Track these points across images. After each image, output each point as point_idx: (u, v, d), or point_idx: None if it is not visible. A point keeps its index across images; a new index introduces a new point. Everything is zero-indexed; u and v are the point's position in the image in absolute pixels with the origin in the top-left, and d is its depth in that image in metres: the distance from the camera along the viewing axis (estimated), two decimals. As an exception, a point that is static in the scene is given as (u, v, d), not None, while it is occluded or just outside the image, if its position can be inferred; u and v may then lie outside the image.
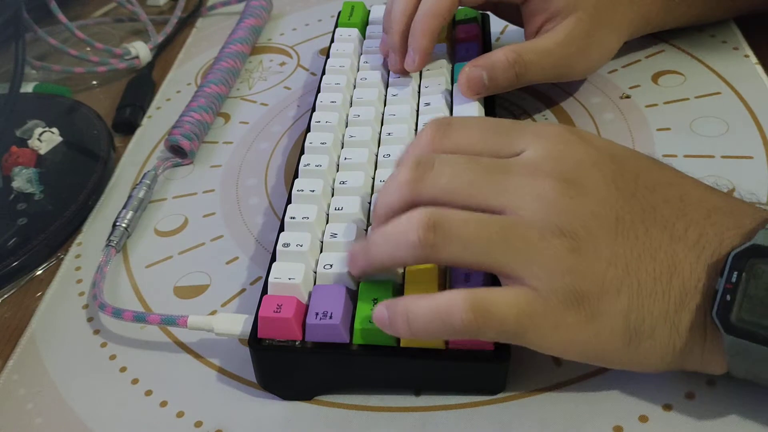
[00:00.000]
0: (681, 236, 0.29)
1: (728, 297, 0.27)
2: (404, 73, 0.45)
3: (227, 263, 0.43)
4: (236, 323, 0.36)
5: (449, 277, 0.34)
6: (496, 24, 0.53)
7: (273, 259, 0.36)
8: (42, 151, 0.52)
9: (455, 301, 0.28)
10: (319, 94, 0.45)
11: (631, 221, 0.29)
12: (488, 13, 0.51)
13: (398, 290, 0.33)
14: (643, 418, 0.31)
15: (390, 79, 0.46)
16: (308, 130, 0.43)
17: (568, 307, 0.28)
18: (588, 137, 0.32)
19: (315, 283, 0.34)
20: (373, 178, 0.39)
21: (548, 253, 0.28)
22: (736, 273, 0.27)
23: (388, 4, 0.46)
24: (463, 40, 0.48)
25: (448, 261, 0.30)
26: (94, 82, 0.61)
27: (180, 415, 0.35)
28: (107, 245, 0.44)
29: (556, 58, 0.43)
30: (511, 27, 0.55)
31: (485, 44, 0.48)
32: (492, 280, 0.33)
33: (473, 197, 0.30)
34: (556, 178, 0.29)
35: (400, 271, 0.34)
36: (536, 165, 0.30)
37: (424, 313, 0.29)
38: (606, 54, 0.46)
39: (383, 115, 0.44)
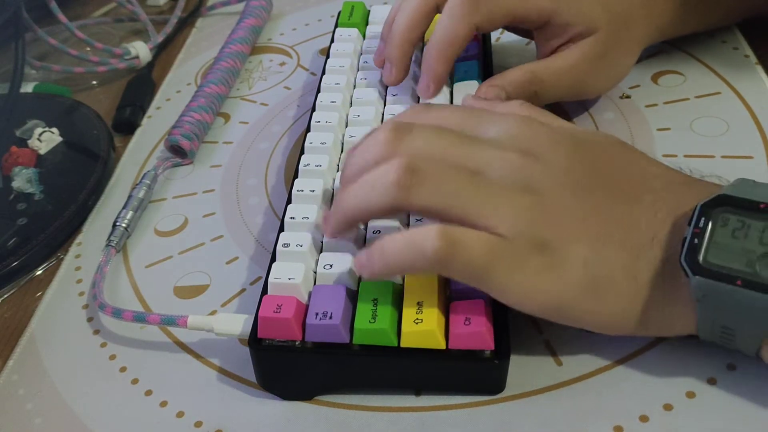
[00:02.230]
0: (637, 198, 0.31)
1: (696, 240, 0.29)
2: (395, 85, 0.45)
3: (227, 263, 0.43)
4: (236, 323, 0.36)
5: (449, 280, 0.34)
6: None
7: (273, 259, 0.36)
8: (42, 151, 0.52)
9: (428, 231, 0.30)
10: (319, 94, 0.45)
11: (588, 185, 0.31)
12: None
13: (398, 290, 0.34)
14: (644, 418, 0.31)
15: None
16: (308, 130, 0.43)
17: (532, 252, 0.30)
18: (550, 120, 0.35)
19: (315, 283, 0.34)
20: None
21: (513, 205, 0.30)
22: (703, 219, 0.29)
23: (390, 13, 0.45)
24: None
25: (420, 206, 0.31)
26: (94, 82, 0.61)
27: (180, 415, 0.35)
28: (107, 245, 0.44)
29: (573, 77, 0.42)
30: (511, 27, 0.55)
31: (485, 44, 0.48)
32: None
33: (447, 158, 0.32)
34: (519, 151, 0.32)
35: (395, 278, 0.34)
36: (502, 141, 0.33)
37: (397, 244, 0.31)
38: (623, 71, 0.45)
39: (383, 115, 0.44)
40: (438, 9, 0.43)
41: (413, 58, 0.46)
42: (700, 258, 0.28)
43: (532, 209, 0.30)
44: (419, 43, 0.44)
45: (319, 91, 0.46)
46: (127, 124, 0.55)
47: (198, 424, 0.35)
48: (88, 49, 0.60)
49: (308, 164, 0.40)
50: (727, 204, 0.29)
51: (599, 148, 0.33)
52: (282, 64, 0.59)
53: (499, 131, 0.33)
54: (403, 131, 0.33)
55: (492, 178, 0.31)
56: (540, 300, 0.30)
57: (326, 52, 0.50)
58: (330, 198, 0.39)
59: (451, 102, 0.43)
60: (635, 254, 0.30)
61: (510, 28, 0.49)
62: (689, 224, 0.29)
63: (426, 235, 0.30)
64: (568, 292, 0.30)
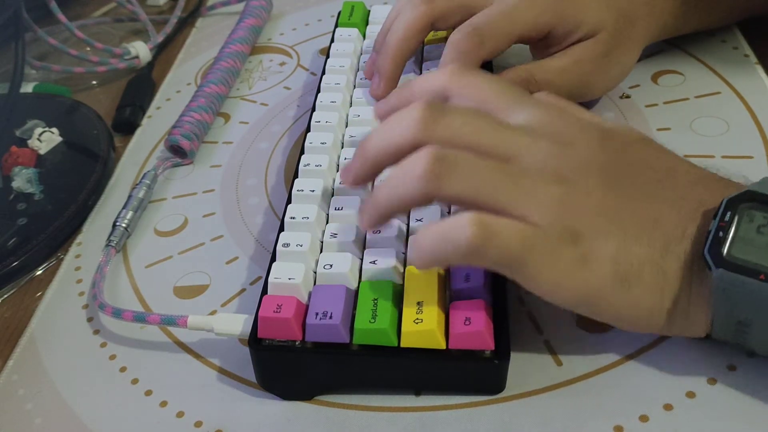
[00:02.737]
0: (665, 193, 0.31)
1: (720, 234, 0.29)
2: (381, 98, 0.44)
3: (227, 263, 0.43)
4: (236, 323, 0.36)
5: (449, 280, 0.34)
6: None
7: (273, 259, 0.36)
8: (42, 151, 0.52)
9: (462, 219, 0.29)
10: (319, 94, 0.45)
11: (617, 177, 0.31)
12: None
13: (398, 290, 0.34)
14: (644, 418, 0.31)
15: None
16: (308, 130, 0.43)
17: (564, 243, 0.30)
18: (579, 111, 0.34)
19: (315, 283, 0.34)
20: (373, 178, 0.39)
21: (546, 196, 0.30)
22: (729, 213, 0.29)
23: (384, 24, 0.45)
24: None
25: (451, 194, 0.31)
26: (94, 82, 0.61)
27: (180, 415, 0.35)
28: (107, 245, 0.44)
29: (573, 77, 0.42)
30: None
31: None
32: (492, 280, 0.33)
33: (480, 145, 0.31)
34: (550, 139, 0.32)
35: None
36: (533, 127, 0.32)
37: (430, 238, 0.30)
38: (624, 71, 0.45)
39: (383, 115, 0.44)
40: (434, 25, 0.42)
41: (413, 59, 0.46)
42: (724, 251, 0.28)
43: (564, 199, 0.30)
44: (412, 56, 0.44)
45: (319, 91, 0.46)
46: (127, 124, 0.55)
47: (198, 424, 0.35)
48: (88, 49, 0.60)
49: (308, 164, 0.40)
50: (754, 200, 0.29)
51: (626, 142, 0.33)
52: (282, 64, 0.59)
53: (531, 116, 0.33)
54: (438, 113, 0.32)
55: (523, 166, 0.31)
56: (570, 292, 0.30)
57: (326, 52, 0.50)
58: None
59: None
60: (664, 249, 0.30)
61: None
62: (714, 218, 0.29)
63: (459, 224, 0.29)
64: (597, 285, 0.30)
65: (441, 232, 0.30)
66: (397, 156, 0.32)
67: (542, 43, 0.43)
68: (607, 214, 0.30)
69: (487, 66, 0.46)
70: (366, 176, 0.34)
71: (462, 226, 0.29)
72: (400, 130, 0.32)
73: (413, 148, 0.31)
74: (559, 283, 0.30)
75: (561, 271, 0.30)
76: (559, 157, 0.31)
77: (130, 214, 0.45)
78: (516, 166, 0.31)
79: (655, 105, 0.47)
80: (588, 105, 0.48)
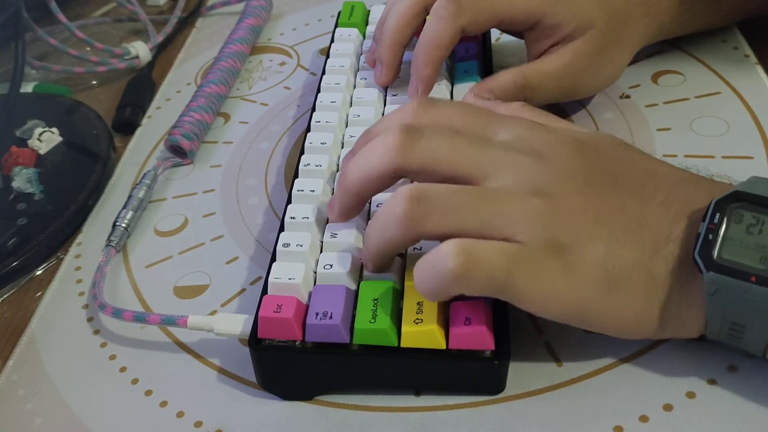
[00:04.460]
0: (648, 196, 0.31)
1: (710, 236, 0.29)
2: (385, 85, 0.45)
3: (227, 263, 0.43)
4: (236, 323, 0.36)
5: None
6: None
7: (273, 259, 0.36)
8: (42, 151, 0.52)
9: (444, 248, 0.29)
10: (319, 94, 0.45)
11: (598, 182, 0.31)
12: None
13: (398, 291, 0.34)
14: (644, 418, 0.31)
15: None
16: (308, 130, 0.43)
17: (550, 255, 0.29)
18: (552, 122, 0.35)
19: (315, 283, 0.34)
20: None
21: (527, 210, 0.30)
22: (718, 214, 0.29)
23: (382, 15, 0.45)
24: (462, 39, 0.48)
25: (435, 232, 0.30)
26: (94, 82, 0.61)
27: (180, 415, 0.35)
28: (107, 245, 0.44)
29: (565, 78, 0.42)
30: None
31: (485, 44, 0.48)
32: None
33: (458, 165, 0.32)
34: (528, 153, 0.32)
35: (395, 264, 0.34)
36: (510, 144, 0.32)
37: (420, 269, 0.30)
38: (617, 71, 0.45)
39: (383, 115, 0.44)
40: (427, 11, 0.43)
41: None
42: (714, 254, 0.28)
43: (545, 211, 0.30)
44: (410, 42, 0.44)
45: (319, 91, 0.46)
46: (127, 124, 0.55)
47: (198, 424, 0.35)
48: (88, 49, 0.60)
49: (308, 164, 0.40)
50: (742, 200, 0.29)
51: (603, 148, 0.33)
52: (282, 64, 0.59)
53: (506, 135, 0.33)
54: (415, 135, 0.32)
55: (502, 183, 0.31)
56: (562, 305, 0.30)
57: (326, 52, 0.50)
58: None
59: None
60: (651, 252, 0.30)
61: (503, 29, 0.49)
62: (703, 220, 0.29)
63: (443, 252, 0.29)
64: (587, 291, 0.30)
65: (428, 265, 0.30)
66: (378, 185, 0.33)
67: (532, 35, 0.43)
68: (592, 218, 0.30)
69: (487, 66, 0.46)
70: (351, 209, 0.35)
71: (445, 256, 0.29)
72: (378, 158, 0.32)
73: (394, 174, 0.32)
74: (549, 297, 0.30)
75: (549, 283, 0.29)
76: (538, 171, 0.31)
77: (130, 214, 0.45)
78: (495, 183, 0.31)
79: (655, 105, 0.47)
80: (586, 104, 0.48)
